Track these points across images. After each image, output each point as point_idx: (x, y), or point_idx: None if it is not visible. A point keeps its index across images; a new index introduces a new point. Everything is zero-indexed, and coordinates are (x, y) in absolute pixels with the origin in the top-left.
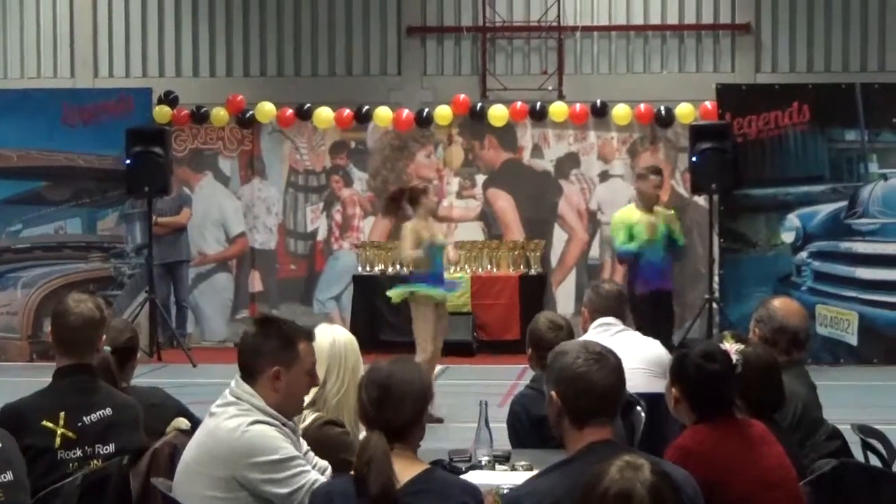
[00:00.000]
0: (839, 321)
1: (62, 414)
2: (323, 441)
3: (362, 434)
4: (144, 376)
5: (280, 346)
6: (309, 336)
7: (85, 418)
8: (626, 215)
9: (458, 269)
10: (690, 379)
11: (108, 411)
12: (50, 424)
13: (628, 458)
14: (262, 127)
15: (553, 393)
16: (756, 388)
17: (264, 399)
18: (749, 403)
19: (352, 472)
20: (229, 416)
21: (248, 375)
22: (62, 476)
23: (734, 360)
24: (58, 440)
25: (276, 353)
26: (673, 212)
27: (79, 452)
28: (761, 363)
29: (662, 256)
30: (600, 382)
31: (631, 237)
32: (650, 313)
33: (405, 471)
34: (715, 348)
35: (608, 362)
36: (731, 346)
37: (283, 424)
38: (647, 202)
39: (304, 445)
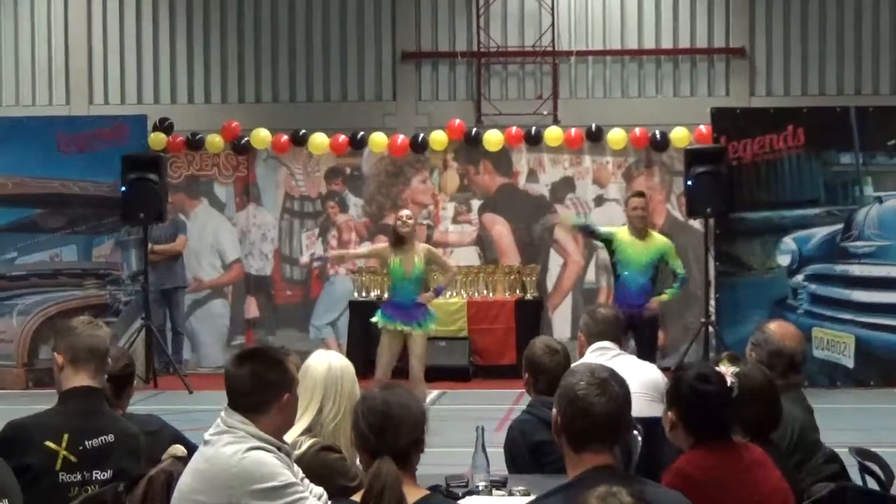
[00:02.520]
0: (836, 344)
1: (66, 436)
2: (320, 467)
3: (358, 460)
4: (141, 403)
5: (281, 374)
6: (288, 353)
7: (87, 442)
8: (616, 230)
9: (455, 293)
10: (685, 401)
11: (111, 437)
12: (53, 445)
13: (605, 487)
14: (257, 153)
15: (555, 411)
16: (752, 408)
17: (266, 426)
18: (745, 424)
19: (354, 498)
20: (226, 444)
21: (257, 410)
22: (63, 500)
23: (729, 383)
24: (59, 462)
25: (280, 381)
26: (668, 242)
27: (79, 476)
28: (756, 383)
29: (641, 283)
30: (598, 409)
31: (609, 242)
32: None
33: (407, 496)
34: (709, 370)
35: (611, 389)
36: (727, 369)
37: (279, 449)
38: (633, 226)
39: (299, 471)
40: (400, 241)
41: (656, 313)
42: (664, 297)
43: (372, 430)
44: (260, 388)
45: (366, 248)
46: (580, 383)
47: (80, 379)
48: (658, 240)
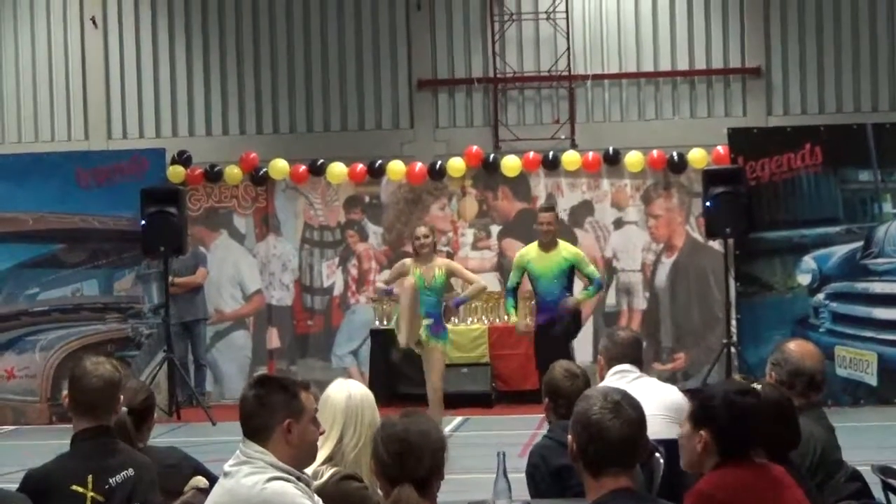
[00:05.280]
0: (858, 362)
1: (90, 477)
2: (341, 496)
3: (379, 489)
4: (164, 435)
5: (286, 399)
6: (306, 386)
7: (111, 480)
8: (522, 252)
9: (476, 320)
10: (723, 417)
11: (131, 471)
12: (80, 489)
13: None
14: (275, 184)
15: (570, 437)
16: (769, 428)
17: (278, 455)
18: (764, 445)
19: None
20: (246, 474)
21: (259, 435)
22: None
23: None
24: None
25: (284, 407)
26: (576, 251)
27: None
28: (772, 403)
29: (556, 294)
30: (613, 432)
31: (523, 272)
32: (540, 343)
33: None
34: (745, 385)
35: (625, 412)
36: None
37: (298, 479)
38: (540, 240)
39: (319, 501)
40: (420, 256)
41: (570, 312)
42: (580, 297)
43: (392, 458)
44: (261, 410)
45: (386, 274)
46: (593, 408)
47: (85, 421)
48: (565, 250)
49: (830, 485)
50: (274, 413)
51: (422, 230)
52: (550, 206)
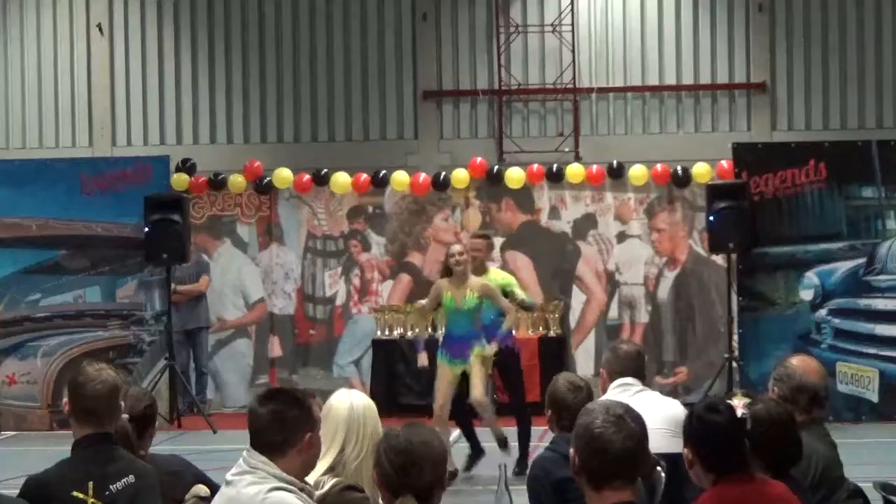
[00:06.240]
0: (860, 378)
1: (90, 484)
2: None
3: (380, 499)
4: (165, 443)
5: (303, 415)
6: (312, 396)
7: (112, 487)
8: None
9: None
10: (697, 434)
11: (132, 478)
12: (80, 495)
13: None
14: (279, 193)
15: (572, 450)
16: (770, 444)
17: (289, 467)
18: (765, 460)
19: None
20: (248, 484)
21: (275, 450)
22: None
23: (740, 415)
24: None
25: (304, 422)
26: (509, 277)
27: None
28: (773, 419)
29: (491, 318)
30: (615, 446)
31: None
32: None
33: None
34: (718, 401)
35: (627, 426)
36: (739, 402)
37: (301, 489)
38: (473, 265)
39: None
40: (451, 274)
41: (515, 348)
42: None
43: (394, 469)
44: (280, 427)
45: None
46: (596, 421)
47: (86, 428)
48: (497, 277)
49: (832, 501)
50: (295, 430)
51: (457, 248)
52: (485, 234)
